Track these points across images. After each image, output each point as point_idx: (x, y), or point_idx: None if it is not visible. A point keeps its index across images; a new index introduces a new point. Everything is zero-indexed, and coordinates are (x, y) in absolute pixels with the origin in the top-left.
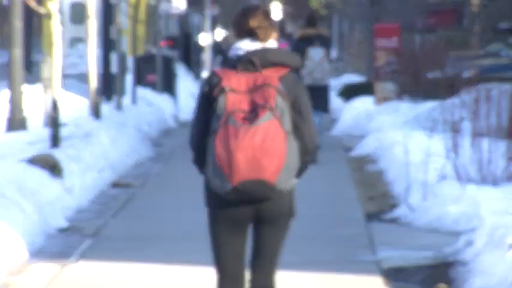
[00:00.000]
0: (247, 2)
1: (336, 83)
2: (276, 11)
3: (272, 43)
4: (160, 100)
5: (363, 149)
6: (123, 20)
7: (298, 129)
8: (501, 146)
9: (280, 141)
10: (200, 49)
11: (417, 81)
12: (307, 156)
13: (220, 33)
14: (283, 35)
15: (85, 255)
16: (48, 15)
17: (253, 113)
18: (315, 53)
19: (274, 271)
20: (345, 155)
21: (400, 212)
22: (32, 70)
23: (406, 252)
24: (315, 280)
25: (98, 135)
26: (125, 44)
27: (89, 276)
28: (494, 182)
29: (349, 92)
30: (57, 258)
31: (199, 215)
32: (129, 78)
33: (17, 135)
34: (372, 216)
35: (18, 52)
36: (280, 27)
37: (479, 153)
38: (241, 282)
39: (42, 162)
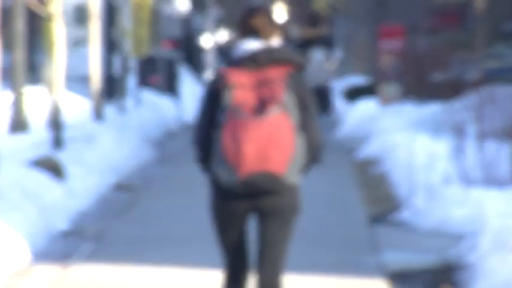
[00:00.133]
0: (251, 2)
1: (339, 84)
2: (281, 13)
3: (275, 41)
4: (163, 102)
5: (366, 151)
6: (125, 21)
7: (303, 127)
8: (506, 148)
9: (288, 134)
10: (203, 51)
11: (421, 83)
12: (313, 154)
13: (223, 35)
14: (288, 39)
15: (88, 258)
16: (51, 17)
17: (260, 106)
18: (316, 54)
19: (279, 271)
20: (349, 157)
21: (404, 214)
22: (35, 72)
23: (410, 255)
24: (318, 283)
25: (100, 138)
26: (128, 46)
27: (92, 278)
28: (499, 185)
29: (353, 94)
30: (60, 261)
31: (202, 217)
32: (132, 80)
33: (20, 138)
34: (376, 219)
35: (20, 54)
36: (285, 30)
37: (483, 155)
38: (246, 272)
39: (44, 164)
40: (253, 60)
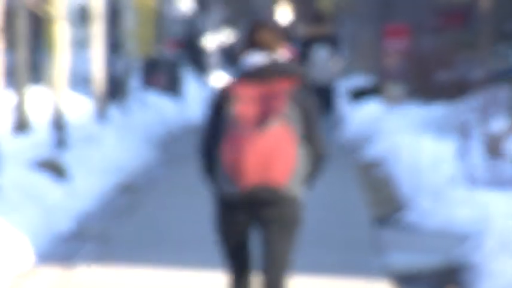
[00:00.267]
0: (256, 2)
1: (344, 84)
2: (286, 13)
3: (281, 53)
4: (166, 103)
5: (371, 152)
6: (129, 22)
7: (307, 139)
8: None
9: (289, 146)
10: (207, 51)
11: (426, 83)
12: (316, 166)
13: (228, 34)
14: (293, 39)
15: (91, 259)
16: (54, 18)
17: (261, 119)
18: (319, 53)
19: (283, 276)
20: (354, 158)
21: (409, 215)
22: (38, 72)
23: (415, 255)
24: (322, 284)
25: (103, 138)
26: (131, 47)
27: (95, 280)
28: (504, 186)
29: (358, 95)
30: (64, 262)
31: (205, 218)
32: (135, 81)
33: (22, 138)
34: (381, 220)
35: (22, 55)
36: (290, 31)
37: (488, 156)
38: (249, 276)
39: (47, 165)
40: (259, 74)
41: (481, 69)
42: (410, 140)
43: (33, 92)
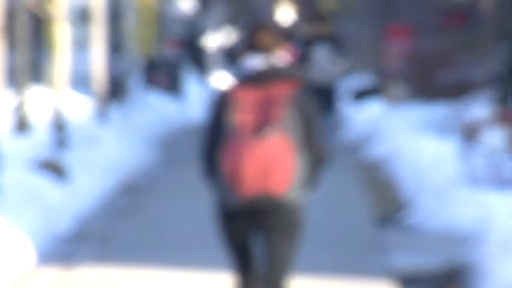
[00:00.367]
0: (257, 1)
1: (345, 84)
2: (288, 13)
3: (280, 55)
4: (167, 103)
5: (373, 152)
6: (130, 22)
7: (308, 144)
8: None
9: (287, 157)
10: (208, 51)
11: (428, 83)
12: (316, 171)
13: (229, 34)
14: (296, 39)
15: (92, 260)
16: (55, 18)
17: (261, 127)
18: (320, 53)
19: (283, 280)
20: (355, 158)
21: (410, 215)
22: (39, 72)
23: (416, 256)
24: (323, 285)
25: (104, 139)
26: (132, 47)
27: (97, 280)
28: (506, 186)
29: (360, 96)
30: (65, 263)
31: (206, 218)
32: (136, 82)
33: (23, 139)
34: (382, 220)
35: (23, 55)
36: (293, 30)
37: (491, 157)
38: (255, 277)
39: (48, 166)
40: (258, 79)
41: (483, 69)
42: (411, 140)
43: (33, 92)
